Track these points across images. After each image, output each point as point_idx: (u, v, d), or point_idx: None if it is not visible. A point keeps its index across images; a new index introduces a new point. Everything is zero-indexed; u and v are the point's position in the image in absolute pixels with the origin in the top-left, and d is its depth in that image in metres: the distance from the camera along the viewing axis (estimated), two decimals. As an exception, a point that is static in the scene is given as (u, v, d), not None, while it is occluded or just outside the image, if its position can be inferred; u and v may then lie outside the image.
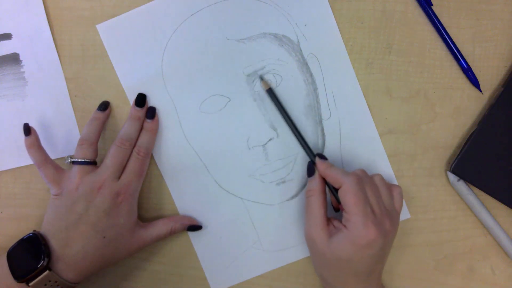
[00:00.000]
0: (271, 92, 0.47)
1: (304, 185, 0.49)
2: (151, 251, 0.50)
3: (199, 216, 0.49)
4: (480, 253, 0.50)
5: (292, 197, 0.49)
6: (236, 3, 0.48)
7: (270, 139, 0.49)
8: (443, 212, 0.50)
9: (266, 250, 0.50)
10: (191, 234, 0.49)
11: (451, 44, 0.49)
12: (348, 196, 0.41)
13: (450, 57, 0.49)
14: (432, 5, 0.49)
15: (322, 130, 0.49)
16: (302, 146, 0.47)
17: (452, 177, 0.49)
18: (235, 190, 0.49)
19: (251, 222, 0.49)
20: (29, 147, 0.45)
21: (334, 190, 0.44)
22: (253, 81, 0.48)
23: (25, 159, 0.49)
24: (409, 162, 0.50)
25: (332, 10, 0.49)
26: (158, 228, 0.47)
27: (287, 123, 0.47)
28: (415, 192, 0.50)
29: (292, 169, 0.49)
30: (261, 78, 0.48)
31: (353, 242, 0.40)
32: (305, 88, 0.49)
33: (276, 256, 0.50)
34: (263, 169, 0.49)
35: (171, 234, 0.47)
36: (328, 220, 0.43)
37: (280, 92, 0.48)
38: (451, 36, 0.49)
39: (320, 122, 0.49)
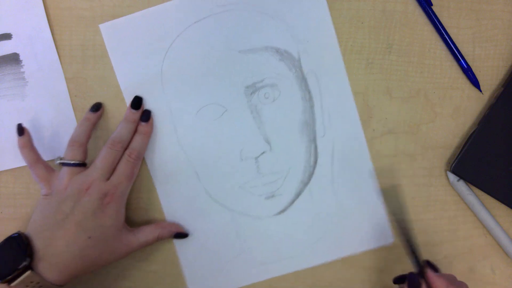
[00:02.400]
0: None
1: (293, 201, 0.49)
2: (148, 251, 0.50)
3: (186, 223, 0.49)
4: (480, 253, 0.50)
5: (280, 212, 0.49)
6: (241, 14, 0.48)
7: (263, 152, 0.48)
8: (443, 212, 0.50)
9: (249, 263, 0.49)
10: (176, 241, 0.49)
11: (451, 44, 0.49)
12: None
13: (450, 57, 0.49)
14: (432, 5, 0.49)
15: (316, 147, 0.49)
16: (409, 250, 0.42)
17: (452, 177, 0.49)
18: (224, 200, 0.49)
19: (237, 234, 0.49)
20: (22, 147, 0.46)
21: None
22: (251, 93, 0.48)
23: (25, 159, 0.49)
24: (409, 162, 0.50)
25: (332, 11, 0.49)
26: (146, 233, 0.47)
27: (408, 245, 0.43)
28: (415, 192, 0.50)
29: (282, 184, 0.49)
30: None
31: None
32: (302, 104, 0.49)
33: (259, 269, 0.49)
34: (254, 181, 0.49)
35: (158, 240, 0.47)
36: None
37: (277, 106, 0.48)
38: (451, 36, 0.49)
39: (314, 139, 0.49)
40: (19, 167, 0.50)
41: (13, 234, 0.42)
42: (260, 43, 0.48)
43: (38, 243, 0.42)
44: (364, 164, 0.49)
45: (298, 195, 0.49)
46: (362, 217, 0.49)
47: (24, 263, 0.40)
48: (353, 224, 0.49)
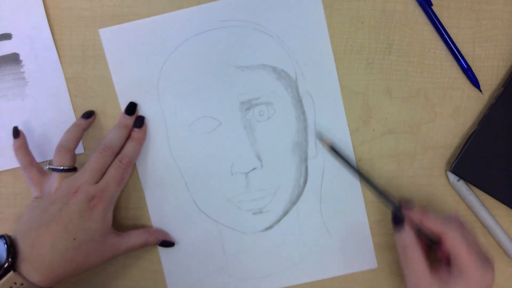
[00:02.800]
0: (332, 150, 0.47)
1: (280, 219, 0.49)
2: (150, 251, 0.50)
3: (172, 232, 0.49)
4: (480, 253, 0.50)
5: (266, 229, 0.49)
6: (241, 31, 0.48)
7: (254, 169, 0.49)
8: (443, 212, 0.50)
9: (231, 277, 0.49)
10: (160, 248, 0.49)
11: (451, 44, 0.49)
12: (459, 246, 0.40)
13: (450, 57, 0.49)
14: (432, 5, 0.49)
15: (306, 168, 0.49)
16: (379, 194, 0.45)
17: (452, 177, 0.49)
18: (211, 212, 0.49)
19: (221, 246, 0.49)
20: (17, 149, 0.46)
21: (429, 239, 0.43)
22: (246, 109, 0.48)
23: (25, 159, 0.49)
24: (409, 162, 0.50)
25: (332, 11, 0.49)
26: (133, 238, 0.47)
27: (358, 175, 0.46)
28: (415, 192, 0.50)
29: (271, 201, 0.49)
30: (320, 137, 0.47)
31: None
32: (296, 124, 0.49)
33: (240, 283, 0.49)
34: (242, 196, 0.49)
35: (145, 246, 0.47)
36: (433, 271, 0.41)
37: (270, 125, 0.48)
38: (451, 36, 0.49)
39: (305, 160, 0.49)
40: (19, 167, 0.49)
41: None
42: (258, 60, 0.48)
43: (23, 244, 0.42)
44: (352, 187, 0.49)
45: (285, 213, 0.49)
46: (347, 240, 0.49)
47: (6, 264, 0.40)
48: (337, 246, 0.50)
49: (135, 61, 0.49)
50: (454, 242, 0.40)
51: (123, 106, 0.49)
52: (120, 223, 0.50)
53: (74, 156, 0.46)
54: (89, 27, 0.49)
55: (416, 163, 0.50)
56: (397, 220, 0.44)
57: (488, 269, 0.40)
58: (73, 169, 0.46)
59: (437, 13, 0.49)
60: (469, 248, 0.40)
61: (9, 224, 0.50)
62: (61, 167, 0.45)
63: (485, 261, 0.40)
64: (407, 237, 0.42)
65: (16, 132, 0.46)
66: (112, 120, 0.49)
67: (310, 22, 0.49)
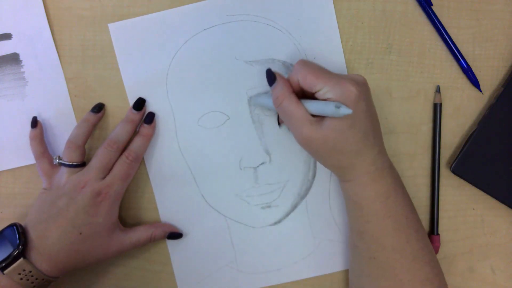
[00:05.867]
0: None
1: (289, 213, 0.49)
2: (151, 252, 0.50)
3: (181, 227, 0.50)
4: (480, 253, 0.50)
5: (275, 223, 0.49)
6: (250, 25, 0.48)
7: (263, 163, 0.49)
8: (443, 212, 0.50)
9: (240, 271, 0.50)
10: (169, 244, 0.50)
11: (451, 44, 0.49)
12: (308, 77, 0.40)
13: (450, 57, 0.49)
14: (432, 5, 0.49)
15: (315, 162, 0.49)
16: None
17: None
18: (219, 207, 0.49)
19: (230, 241, 0.50)
20: (32, 138, 0.47)
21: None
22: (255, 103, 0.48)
23: (25, 159, 0.49)
24: (409, 162, 0.50)
25: (333, 10, 0.49)
26: (139, 233, 0.47)
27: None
28: (415, 192, 0.50)
29: (279, 196, 0.49)
30: None
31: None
32: None
33: (250, 278, 0.50)
34: (251, 190, 0.49)
35: (151, 240, 0.48)
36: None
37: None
38: (451, 36, 0.49)
39: None
40: (19, 167, 0.50)
41: (10, 224, 0.44)
42: (267, 55, 0.48)
43: (33, 234, 0.43)
44: None
45: (294, 207, 0.49)
46: None
47: (17, 251, 0.41)
48: (346, 240, 0.50)
49: (144, 57, 0.49)
50: (301, 75, 0.41)
51: (132, 100, 0.49)
52: (128, 219, 0.50)
53: (83, 152, 0.47)
54: (89, 27, 0.49)
55: (416, 163, 0.50)
56: (270, 76, 0.43)
57: (348, 83, 0.40)
58: (81, 165, 0.46)
59: (437, 13, 0.49)
60: (318, 71, 0.40)
61: (9, 223, 0.50)
62: (70, 163, 0.46)
63: (341, 77, 0.41)
64: (280, 87, 0.42)
65: (34, 122, 0.48)
66: (111, 119, 0.49)
67: (320, 17, 0.48)
